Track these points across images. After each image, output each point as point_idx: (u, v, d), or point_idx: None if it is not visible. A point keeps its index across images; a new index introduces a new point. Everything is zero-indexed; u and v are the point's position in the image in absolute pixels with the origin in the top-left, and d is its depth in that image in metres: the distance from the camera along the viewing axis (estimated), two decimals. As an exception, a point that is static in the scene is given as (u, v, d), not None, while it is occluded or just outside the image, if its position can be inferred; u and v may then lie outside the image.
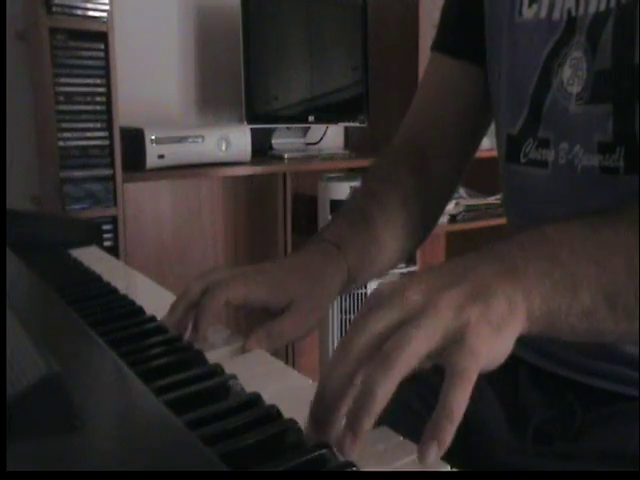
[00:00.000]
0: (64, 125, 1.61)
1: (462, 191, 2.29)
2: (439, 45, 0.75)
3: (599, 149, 0.56)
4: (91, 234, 0.96)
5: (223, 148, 1.84)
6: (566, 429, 0.60)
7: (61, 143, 1.61)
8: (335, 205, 1.90)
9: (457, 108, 0.74)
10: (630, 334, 0.45)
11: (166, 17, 2.03)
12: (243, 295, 0.55)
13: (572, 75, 0.58)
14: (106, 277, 0.72)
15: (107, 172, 1.67)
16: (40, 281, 0.68)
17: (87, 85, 1.62)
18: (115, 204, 1.68)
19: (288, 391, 0.45)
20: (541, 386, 0.65)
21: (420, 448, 0.35)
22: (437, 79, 0.76)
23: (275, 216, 2.03)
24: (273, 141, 2.14)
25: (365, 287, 1.81)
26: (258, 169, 1.94)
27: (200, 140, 1.81)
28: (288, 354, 2.08)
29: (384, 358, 0.37)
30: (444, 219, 2.24)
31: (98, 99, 1.64)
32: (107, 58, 1.62)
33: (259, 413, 0.40)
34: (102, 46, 1.62)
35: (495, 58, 0.67)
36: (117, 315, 0.59)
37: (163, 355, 0.50)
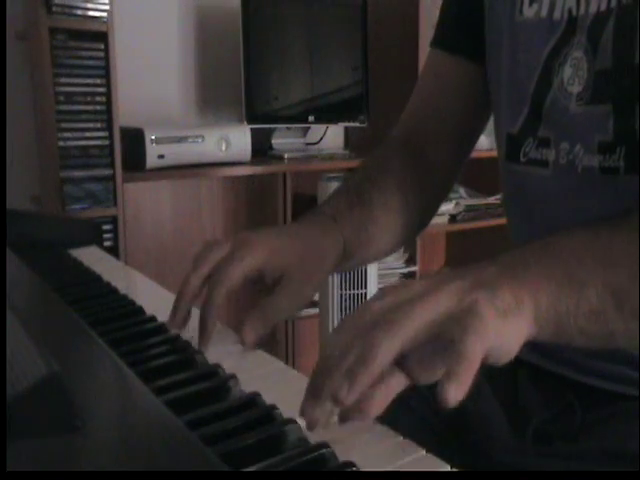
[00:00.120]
0: (64, 125, 1.61)
1: (462, 191, 2.29)
2: (437, 41, 0.76)
3: (599, 149, 0.56)
4: (91, 234, 0.96)
5: (223, 148, 1.84)
6: (566, 429, 0.60)
7: (61, 143, 1.61)
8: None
9: (454, 102, 0.74)
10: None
11: (166, 17, 2.03)
12: (242, 277, 0.55)
13: (573, 75, 0.58)
14: (106, 277, 0.72)
15: (107, 172, 1.67)
16: (40, 281, 0.68)
17: (87, 85, 1.62)
18: (115, 204, 1.69)
19: (288, 391, 0.45)
20: (541, 386, 0.65)
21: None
22: (434, 74, 0.77)
23: (275, 216, 2.03)
24: (273, 141, 2.14)
25: (365, 287, 1.81)
26: (258, 169, 1.95)
27: (200, 140, 1.81)
28: (288, 354, 2.08)
29: (387, 321, 0.37)
30: (444, 219, 2.24)
31: (98, 99, 1.64)
32: (107, 58, 1.62)
33: (259, 413, 0.41)
34: (102, 46, 1.62)
35: (495, 57, 0.67)
36: (117, 315, 0.59)
37: (163, 355, 0.50)
